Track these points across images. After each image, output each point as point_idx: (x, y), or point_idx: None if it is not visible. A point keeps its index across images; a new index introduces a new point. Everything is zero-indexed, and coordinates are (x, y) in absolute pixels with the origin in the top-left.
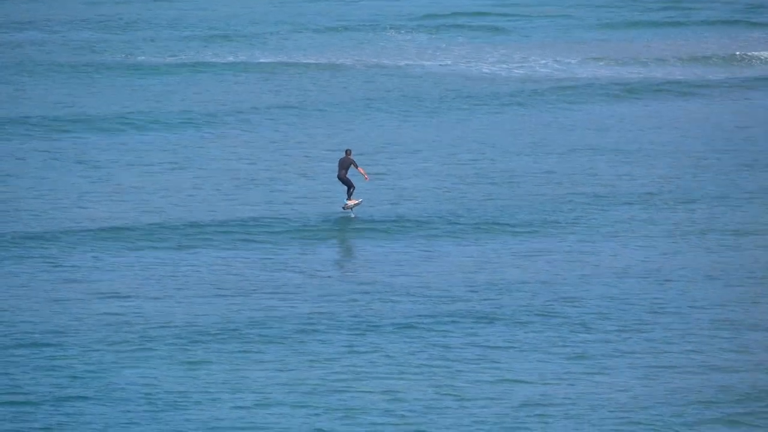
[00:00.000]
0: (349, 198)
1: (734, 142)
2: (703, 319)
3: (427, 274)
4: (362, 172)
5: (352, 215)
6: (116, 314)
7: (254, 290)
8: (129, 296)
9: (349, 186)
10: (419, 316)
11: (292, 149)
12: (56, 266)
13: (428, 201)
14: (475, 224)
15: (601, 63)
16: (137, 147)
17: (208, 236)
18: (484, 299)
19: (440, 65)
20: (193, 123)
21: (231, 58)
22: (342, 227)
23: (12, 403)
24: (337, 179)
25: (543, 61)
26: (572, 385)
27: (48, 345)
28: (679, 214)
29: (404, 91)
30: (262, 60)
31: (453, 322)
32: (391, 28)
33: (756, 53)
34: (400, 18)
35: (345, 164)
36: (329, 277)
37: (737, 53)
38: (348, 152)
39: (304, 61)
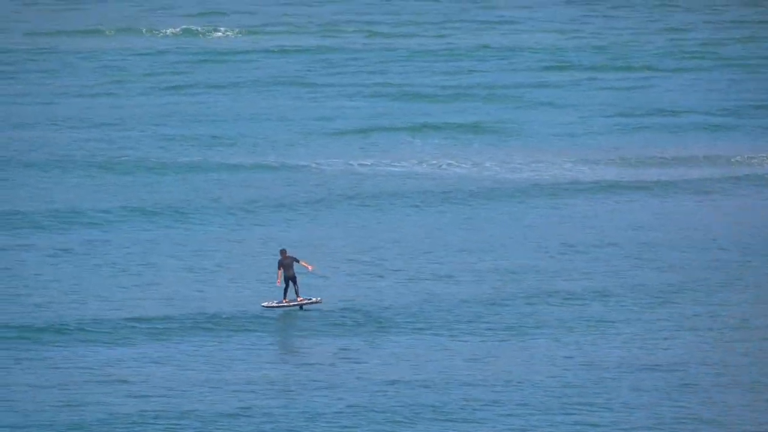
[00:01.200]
0: (298, 294)
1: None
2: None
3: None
4: (305, 264)
5: (302, 308)
6: None
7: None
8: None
9: (295, 282)
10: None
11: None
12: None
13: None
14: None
15: (595, 165)
16: (139, 241)
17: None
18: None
19: (443, 167)
20: (193, 218)
21: (238, 160)
22: (294, 323)
23: None
24: (284, 281)
25: (536, 163)
26: None
27: None
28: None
29: (407, 193)
30: (271, 162)
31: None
32: (396, 129)
33: (746, 155)
34: (405, 120)
35: (289, 262)
36: (284, 374)
37: (728, 156)
38: (284, 252)
39: (304, 164)
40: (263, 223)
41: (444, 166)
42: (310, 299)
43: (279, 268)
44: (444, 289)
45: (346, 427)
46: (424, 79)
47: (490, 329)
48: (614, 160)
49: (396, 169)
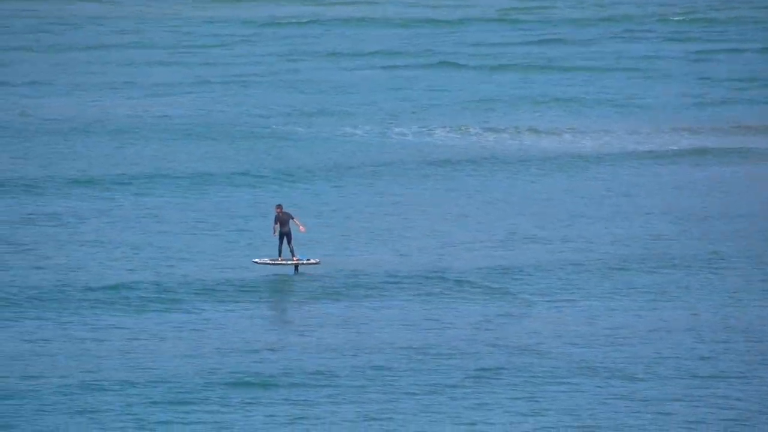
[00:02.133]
0: (293, 254)
1: None
2: None
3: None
4: (298, 223)
5: (297, 269)
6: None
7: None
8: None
9: (290, 240)
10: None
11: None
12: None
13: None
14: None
15: (722, 134)
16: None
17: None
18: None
19: (566, 137)
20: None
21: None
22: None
23: None
24: (279, 235)
25: (658, 133)
26: None
27: None
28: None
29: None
30: (395, 132)
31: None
32: (519, 100)
33: None
34: (527, 92)
35: (285, 218)
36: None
37: None
38: (279, 207)
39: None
40: (390, 190)
41: (566, 137)
42: (308, 260)
43: (275, 223)
44: (577, 256)
45: (481, 389)
46: (548, 50)
47: (618, 296)
48: (740, 130)
49: (520, 141)
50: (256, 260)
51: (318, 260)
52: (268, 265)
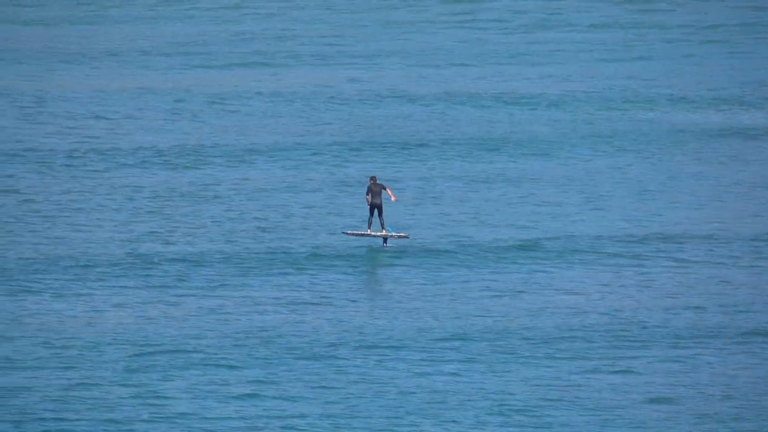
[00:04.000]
0: (383, 226)
1: None
2: None
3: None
4: (390, 193)
5: (385, 241)
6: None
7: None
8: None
9: (381, 212)
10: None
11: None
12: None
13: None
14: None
15: None
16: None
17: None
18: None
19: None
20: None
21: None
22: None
23: None
24: (371, 207)
25: None
26: None
27: None
28: None
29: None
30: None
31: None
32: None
33: None
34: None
35: (378, 190)
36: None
37: None
38: (373, 179)
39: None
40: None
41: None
42: (398, 233)
43: (367, 194)
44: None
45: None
46: None
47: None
48: None
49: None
50: (348, 231)
51: (407, 234)
52: (359, 236)
